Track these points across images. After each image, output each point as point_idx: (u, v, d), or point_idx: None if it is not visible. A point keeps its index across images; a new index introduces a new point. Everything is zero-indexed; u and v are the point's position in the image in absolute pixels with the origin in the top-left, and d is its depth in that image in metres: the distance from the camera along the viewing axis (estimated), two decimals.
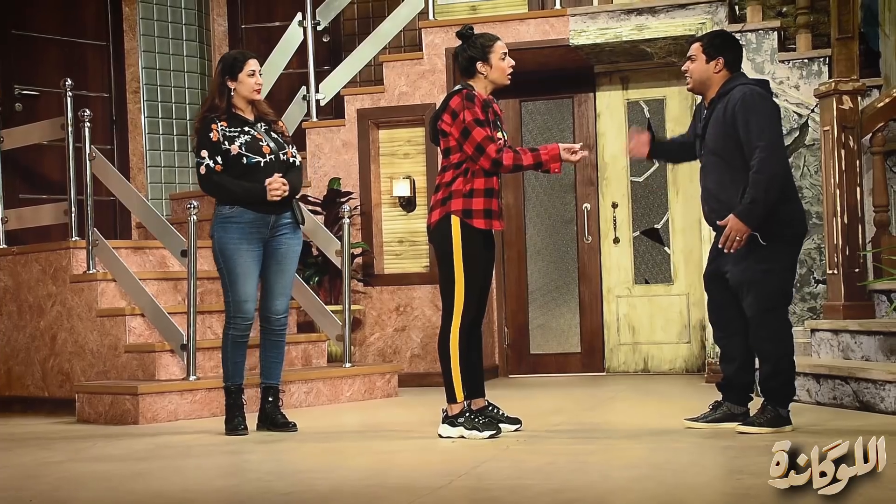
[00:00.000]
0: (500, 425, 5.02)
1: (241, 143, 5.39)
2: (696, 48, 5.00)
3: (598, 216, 8.32)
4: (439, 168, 5.13)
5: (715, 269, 5.00)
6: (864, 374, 5.35)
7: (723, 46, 4.97)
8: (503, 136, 5.07)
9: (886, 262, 6.17)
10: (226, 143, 5.38)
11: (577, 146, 5.01)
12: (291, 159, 5.52)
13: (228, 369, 5.48)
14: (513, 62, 5.12)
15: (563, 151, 4.95)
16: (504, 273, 8.38)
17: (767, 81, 5.08)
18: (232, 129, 5.42)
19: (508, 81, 5.12)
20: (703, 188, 4.99)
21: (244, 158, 5.38)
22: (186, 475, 4.33)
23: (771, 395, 4.82)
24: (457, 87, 5.07)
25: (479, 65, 5.05)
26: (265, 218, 5.43)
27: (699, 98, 5.17)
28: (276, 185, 5.36)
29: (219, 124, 5.41)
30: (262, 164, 5.40)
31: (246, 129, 5.45)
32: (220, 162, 5.37)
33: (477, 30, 5.26)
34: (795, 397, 4.98)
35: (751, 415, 4.95)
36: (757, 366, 4.99)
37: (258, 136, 5.45)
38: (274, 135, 5.52)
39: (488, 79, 5.07)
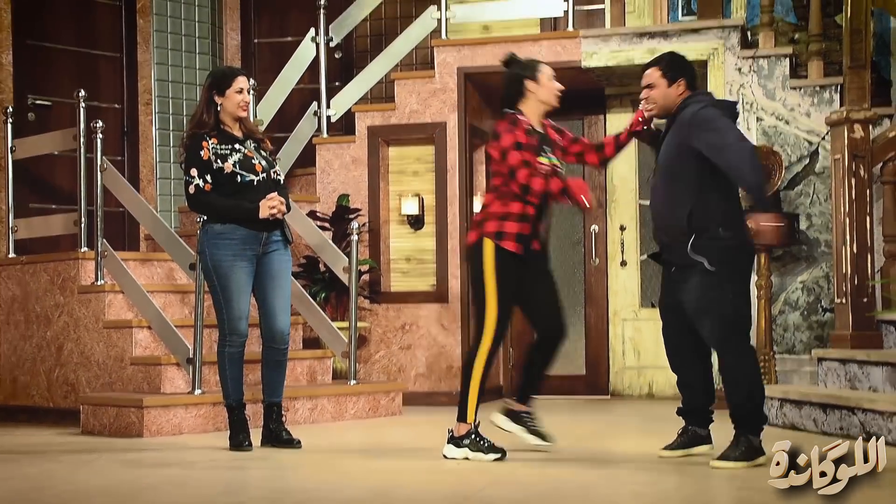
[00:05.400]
0: (529, 437, 5.08)
1: (234, 161, 5.39)
2: (654, 75, 4.89)
3: (605, 238, 8.32)
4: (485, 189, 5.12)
5: (670, 298, 4.96)
6: (872, 405, 5.34)
7: (682, 67, 4.91)
8: (549, 162, 4.98)
9: (895, 293, 6.16)
10: (218, 161, 5.37)
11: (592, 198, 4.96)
12: (277, 177, 5.52)
13: (228, 387, 5.47)
14: (561, 86, 5.10)
15: (587, 192, 4.86)
16: None
17: (711, 94, 5.10)
18: (223, 147, 5.41)
19: (557, 103, 5.10)
20: (652, 205, 4.98)
21: (238, 177, 5.37)
22: (190, 490, 4.32)
23: (742, 424, 4.73)
24: (505, 111, 5.06)
25: (527, 83, 5.03)
26: (257, 235, 5.43)
27: None
28: (274, 203, 5.34)
29: (209, 141, 5.39)
30: (255, 183, 5.40)
31: (237, 146, 5.44)
32: (210, 181, 5.36)
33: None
34: (766, 423, 4.88)
35: (720, 442, 4.90)
36: (726, 394, 4.87)
37: (249, 154, 5.45)
38: (263, 153, 5.53)
39: (538, 98, 5.04)
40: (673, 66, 4.90)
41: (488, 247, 4.92)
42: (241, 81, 5.46)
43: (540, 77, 5.04)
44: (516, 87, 5.05)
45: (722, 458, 4.74)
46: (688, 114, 4.80)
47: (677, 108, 4.88)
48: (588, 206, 4.91)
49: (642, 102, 4.97)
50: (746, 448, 4.70)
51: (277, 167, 5.57)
